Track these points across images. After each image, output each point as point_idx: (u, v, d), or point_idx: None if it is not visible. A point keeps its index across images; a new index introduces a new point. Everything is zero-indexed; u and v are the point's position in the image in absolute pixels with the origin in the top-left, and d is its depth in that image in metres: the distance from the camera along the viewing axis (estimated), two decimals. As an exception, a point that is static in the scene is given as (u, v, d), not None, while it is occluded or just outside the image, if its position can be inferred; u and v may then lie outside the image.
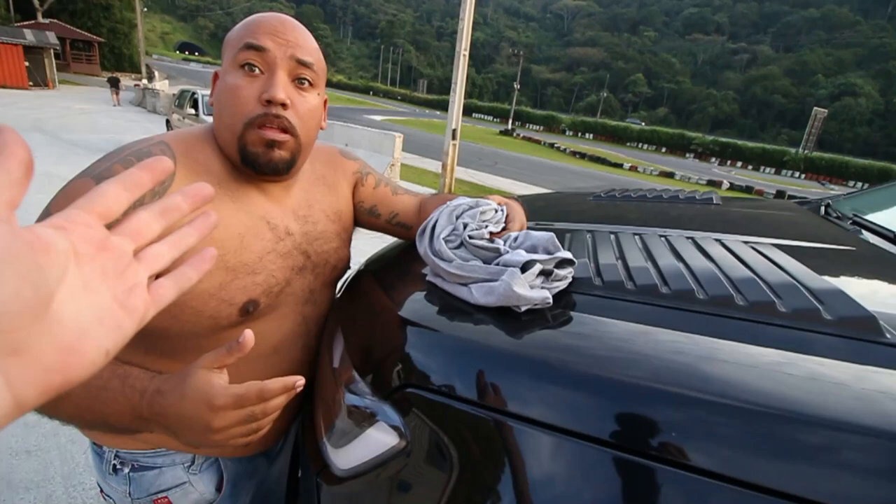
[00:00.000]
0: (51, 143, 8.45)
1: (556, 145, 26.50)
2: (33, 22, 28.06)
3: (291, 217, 0.71)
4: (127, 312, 0.26)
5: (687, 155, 40.34)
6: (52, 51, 22.20)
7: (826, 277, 0.58)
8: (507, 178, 11.52)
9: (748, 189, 18.72)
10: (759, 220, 1.03)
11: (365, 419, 0.56)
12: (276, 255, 0.66)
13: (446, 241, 0.66)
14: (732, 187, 18.49)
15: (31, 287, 0.21)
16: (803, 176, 35.94)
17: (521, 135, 32.18)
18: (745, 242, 0.75)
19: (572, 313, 0.57)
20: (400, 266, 0.84)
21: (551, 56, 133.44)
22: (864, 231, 0.92)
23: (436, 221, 0.70)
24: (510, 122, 37.30)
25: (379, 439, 0.53)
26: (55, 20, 29.93)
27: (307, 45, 0.64)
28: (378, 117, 28.86)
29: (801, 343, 0.47)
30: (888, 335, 0.48)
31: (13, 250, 0.20)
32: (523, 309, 0.56)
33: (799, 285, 0.56)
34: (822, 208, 1.20)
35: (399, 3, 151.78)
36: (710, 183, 18.94)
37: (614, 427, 0.42)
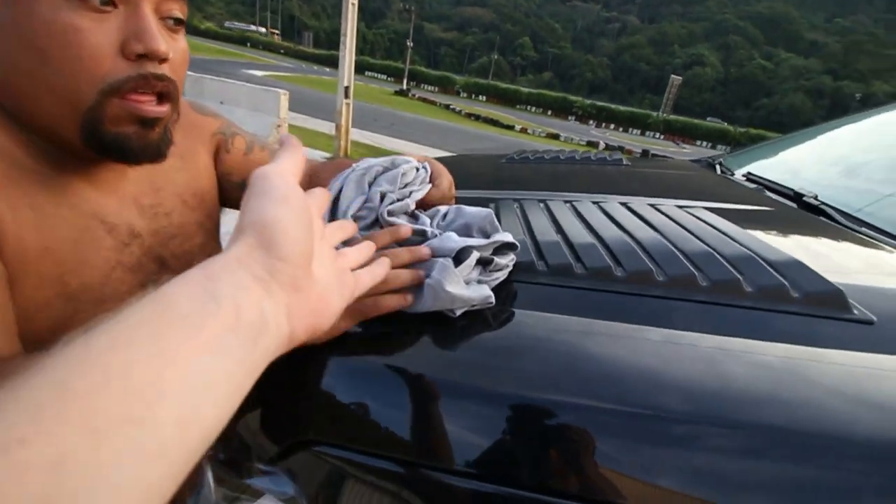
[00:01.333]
0: None
1: (451, 107, 26.51)
2: None
3: (134, 210, 0.50)
4: (346, 286, 0.31)
5: (569, 118, 43.25)
6: None
7: (776, 247, 0.55)
8: (406, 140, 11.23)
9: (620, 148, 20.72)
10: (677, 181, 1.02)
11: (245, 493, 0.41)
12: (122, 269, 0.47)
13: (357, 220, 0.48)
14: (608, 147, 20.36)
15: (307, 233, 0.26)
16: (662, 136, 40.91)
17: (417, 95, 31.58)
18: (680, 207, 0.70)
19: (520, 312, 0.46)
20: None
21: (443, 14, 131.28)
22: (766, 191, 0.95)
23: (339, 192, 0.51)
24: (405, 81, 36.32)
25: None
26: None
27: None
28: (259, 72, 26.01)
29: (782, 329, 0.42)
30: (855, 311, 0.45)
31: (299, 203, 0.26)
32: (458, 313, 0.44)
33: (759, 259, 0.51)
34: (717, 167, 1.24)
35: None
36: (590, 143, 20.63)
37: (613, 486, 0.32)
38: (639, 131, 41.43)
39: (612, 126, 41.80)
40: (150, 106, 0.42)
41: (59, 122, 0.40)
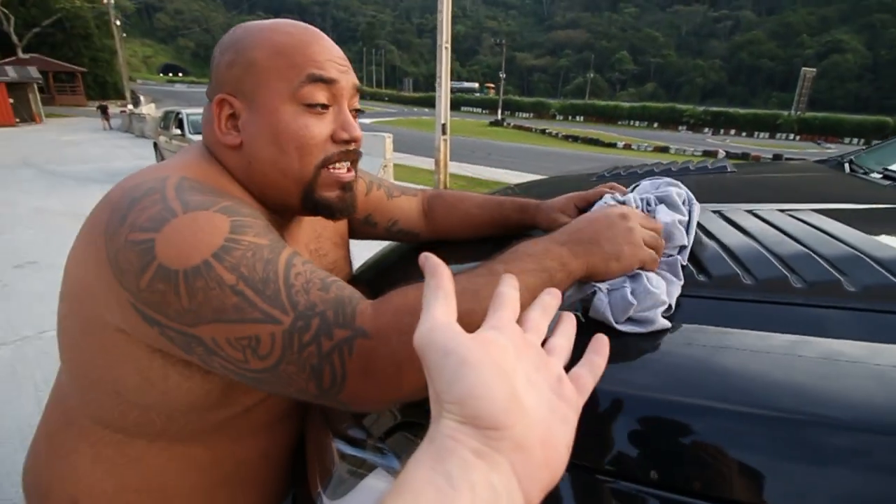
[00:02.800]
0: (40, 176, 8.37)
1: (547, 131, 26.33)
2: (14, 58, 27.95)
3: (306, 253, 0.64)
4: (567, 404, 0.26)
5: (679, 128, 40.11)
6: (35, 85, 22.08)
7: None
8: (502, 168, 11.41)
9: (745, 156, 18.56)
10: (789, 185, 0.93)
11: (361, 466, 0.48)
12: None
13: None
14: (729, 156, 18.33)
15: (504, 382, 0.23)
16: (798, 137, 35.73)
17: (512, 124, 31.99)
18: (783, 211, 0.65)
19: (701, 329, 0.44)
20: (398, 274, 0.75)
21: (534, 42, 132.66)
22: (905, 185, 0.83)
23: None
24: (499, 112, 37.09)
25: (379, 489, 0.46)
26: (36, 54, 29.81)
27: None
28: (367, 120, 28.71)
29: None
30: None
31: (478, 354, 0.23)
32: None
33: None
34: (847, 165, 1.10)
35: (377, 3, 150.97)
36: (706, 153, 18.78)
37: None
38: (767, 134, 36.73)
39: (733, 132, 37.69)
40: (348, 175, 0.55)
41: (286, 193, 0.53)
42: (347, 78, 0.53)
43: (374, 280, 0.77)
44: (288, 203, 0.54)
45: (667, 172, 1.21)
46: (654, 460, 0.34)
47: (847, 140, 33.46)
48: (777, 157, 18.01)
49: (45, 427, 0.58)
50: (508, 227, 0.75)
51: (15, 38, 31.13)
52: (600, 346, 0.32)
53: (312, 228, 0.65)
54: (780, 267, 0.49)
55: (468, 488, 0.21)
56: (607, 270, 0.46)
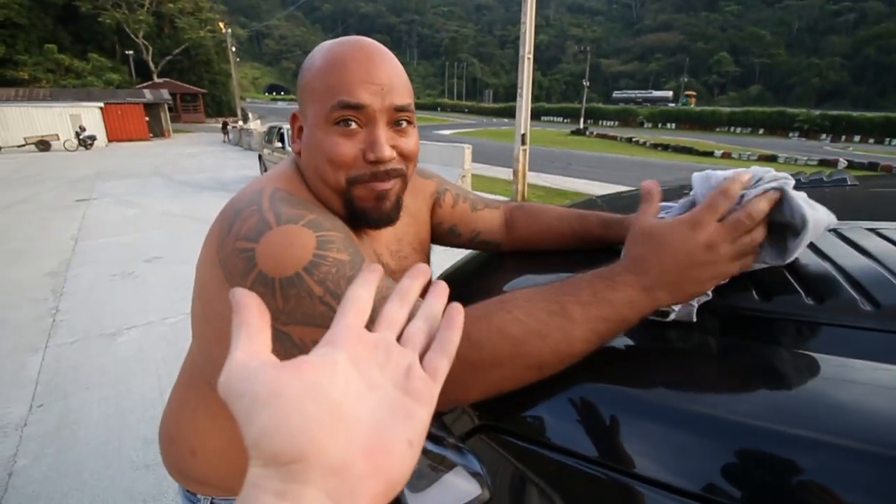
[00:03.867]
0: (167, 185, 9.67)
1: (633, 139, 25.00)
2: (150, 82, 32.77)
3: (387, 254, 0.69)
4: (413, 398, 0.26)
5: (790, 134, 35.98)
6: (166, 105, 25.74)
7: None
8: (582, 178, 11.05)
9: (872, 166, 16.12)
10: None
11: (442, 463, 0.50)
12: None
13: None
14: (851, 165, 16.01)
15: (311, 406, 0.22)
16: (946, 143, 30.35)
17: (595, 132, 30.86)
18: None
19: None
20: (480, 282, 0.78)
21: (621, 47, 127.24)
22: None
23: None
24: (581, 120, 35.99)
25: (458, 487, 0.47)
26: (167, 79, 34.73)
27: (402, 85, 0.57)
28: (447, 132, 29.37)
29: None
30: None
31: (274, 386, 0.22)
32: (672, 316, 0.47)
33: None
34: None
35: (460, 18, 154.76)
36: (823, 163, 16.57)
37: None
38: (901, 140, 31.69)
39: (857, 139, 32.98)
40: (381, 185, 0.57)
41: (330, 200, 0.58)
42: (382, 100, 0.55)
43: (452, 285, 0.80)
44: (336, 209, 0.58)
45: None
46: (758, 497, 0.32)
47: None
48: (916, 166, 15.44)
49: (177, 388, 0.73)
50: (591, 241, 0.74)
51: (152, 66, 36.51)
52: (452, 318, 0.31)
53: (394, 233, 0.71)
54: None
55: None
56: (685, 300, 0.47)
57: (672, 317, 0.48)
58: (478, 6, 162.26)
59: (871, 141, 32.22)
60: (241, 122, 24.13)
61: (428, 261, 0.79)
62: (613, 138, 27.05)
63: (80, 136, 18.54)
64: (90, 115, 20.34)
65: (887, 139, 32.05)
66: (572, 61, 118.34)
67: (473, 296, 0.71)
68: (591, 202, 1.39)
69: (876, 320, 0.43)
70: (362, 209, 0.58)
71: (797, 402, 0.36)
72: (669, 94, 70.64)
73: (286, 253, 0.46)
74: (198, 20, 39.32)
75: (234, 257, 0.48)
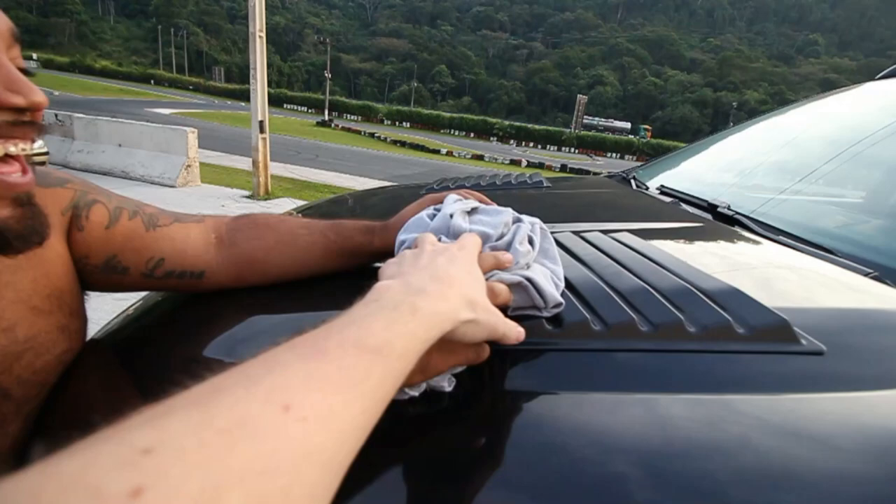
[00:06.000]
0: None
1: (376, 135, 26.58)
2: None
3: None
4: (454, 248, 0.39)
5: (491, 138, 45.15)
6: None
7: (710, 273, 0.51)
8: (330, 170, 10.99)
9: (541, 165, 21.94)
10: (598, 202, 1.01)
11: None
12: None
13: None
14: (530, 164, 21.42)
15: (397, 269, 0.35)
16: (577, 151, 43.99)
17: (340, 125, 31.34)
18: (606, 232, 0.66)
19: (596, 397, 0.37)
20: (162, 334, 0.54)
21: (359, 45, 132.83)
22: (681, 203, 0.96)
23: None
24: (326, 112, 35.95)
25: None
26: None
27: None
28: (166, 111, 24.47)
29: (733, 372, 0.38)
30: (804, 342, 0.41)
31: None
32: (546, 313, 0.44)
33: (697, 292, 0.46)
34: (632, 182, 1.27)
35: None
36: (513, 162, 21.62)
37: None
38: (556, 147, 44.20)
39: (532, 144, 44.21)
40: (21, 178, 0.35)
41: None
42: None
43: (123, 349, 0.53)
44: None
45: (492, 185, 1.22)
46: None
47: (609, 154, 42.83)
48: (564, 166, 21.78)
49: None
50: (353, 253, 0.56)
51: None
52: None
53: None
54: (624, 305, 0.44)
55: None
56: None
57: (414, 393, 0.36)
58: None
59: (539, 147, 43.92)
60: None
61: (75, 321, 0.48)
62: (357, 132, 28.08)
63: None
64: None
65: (548, 145, 44.30)
66: (313, 51, 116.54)
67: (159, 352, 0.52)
68: (341, 199, 1.28)
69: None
70: None
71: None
72: (628, 125, 77.19)
73: None
74: None
75: None
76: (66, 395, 0.46)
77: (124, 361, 0.50)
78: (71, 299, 0.47)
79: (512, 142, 44.49)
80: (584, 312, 0.43)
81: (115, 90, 36.12)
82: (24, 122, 0.34)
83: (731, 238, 0.75)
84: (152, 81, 59.56)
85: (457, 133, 46.33)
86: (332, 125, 30.26)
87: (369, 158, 15.48)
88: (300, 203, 6.64)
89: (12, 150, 0.33)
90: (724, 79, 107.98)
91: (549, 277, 0.43)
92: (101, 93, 30.44)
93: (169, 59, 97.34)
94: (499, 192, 1.15)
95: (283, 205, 6.62)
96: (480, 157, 21.88)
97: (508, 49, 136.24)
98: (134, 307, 0.64)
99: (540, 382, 0.38)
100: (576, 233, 0.66)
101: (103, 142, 7.22)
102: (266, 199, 6.81)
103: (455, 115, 52.65)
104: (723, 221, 0.84)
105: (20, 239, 0.36)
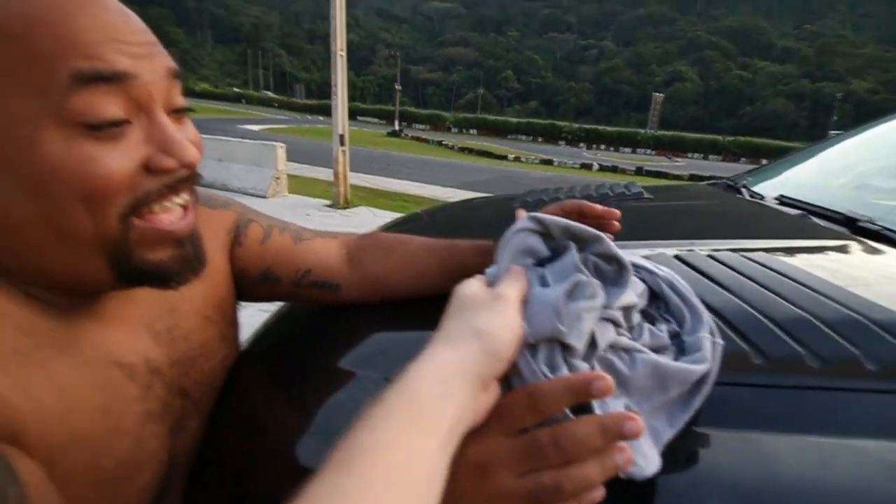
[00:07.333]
0: None
1: (444, 143, 27.04)
2: None
3: (147, 338, 0.43)
4: (497, 302, 0.35)
5: (559, 142, 44.05)
6: None
7: (877, 301, 0.45)
8: (402, 178, 11.35)
9: (614, 168, 21.01)
10: (711, 216, 0.96)
11: None
12: (152, 421, 0.41)
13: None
14: (602, 168, 20.57)
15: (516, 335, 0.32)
16: (653, 152, 41.58)
17: (410, 135, 32.28)
18: (736, 251, 0.63)
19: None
20: (304, 347, 0.58)
21: (427, 56, 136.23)
22: (810, 216, 0.89)
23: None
24: (396, 123, 37.21)
25: None
26: None
27: (159, 44, 0.37)
28: (256, 127, 26.69)
29: None
30: None
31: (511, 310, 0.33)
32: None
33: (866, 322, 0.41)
34: (743, 190, 1.19)
35: (262, 4, 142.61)
36: (583, 166, 20.88)
37: None
38: (629, 149, 42.11)
39: (603, 146, 42.51)
40: (180, 221, 0.37)
41: (78, 267, 0.34)
42: (151, 64, 0.34)
43: (274, 358, 0.58)
44: (87, 280, 0.35)
45: (588, 199, 1.21)
46: None
47: (690, 155, 39.87)
48: (639, 169, 20.68)
49: None
50: (465, 274, 0.58)
51: None
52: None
53: (163, 300, 0.45)
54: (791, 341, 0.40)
55: (461, 408, 0.28)
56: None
57: None
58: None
59: (612, 149, 42.02)
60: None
61: (232, 330, 0.55)
62: (426, 141, 28.73)
63: None
64: None
65: (620, 147, 42.26)
66: (383, 65, 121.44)
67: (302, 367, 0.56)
68: (415, 217, 1.33)
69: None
70: (153, 265, 0.36)
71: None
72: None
73: None
74: None
75: None
76: (231, 398, 0.52)
77: (274, 368, 0.55)
78: (230, 309, 0.55)
79: (581, 145, 43.09)
80: (741, 344, 0.39)
81: (213, 110, 40.10)
82: (181, 178, 0.36)
83: (883, 257, 0.68)
84: (243, 101, 65.33)
85: (524, 138, 45.82)
86: (402, 135, 31.25)
87: (438, 166, 15.78)
88: (377, 211, 6.94)
89: (168, 205, 0.36)
90: (823, 68, 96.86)
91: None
92: (202, 113, 33.91)
93: (257, 79, 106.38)
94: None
95: (361, 213, 6.95)
96: (549, 162, 21.43)
97: (577, 50, 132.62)
98: (274, 319, 0.71)
99: (697, 419, 0.35)
100: (710, 256, 0.63)
101: (206, 157, 8.03)
102: (345, 208, 7.19)
103: (522, 120, 52.14)
104: (865, 237, 0.76)
105: (178, 276, 0.38)
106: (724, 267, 0.56)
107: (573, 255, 0.38)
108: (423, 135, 34.28)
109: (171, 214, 0.36)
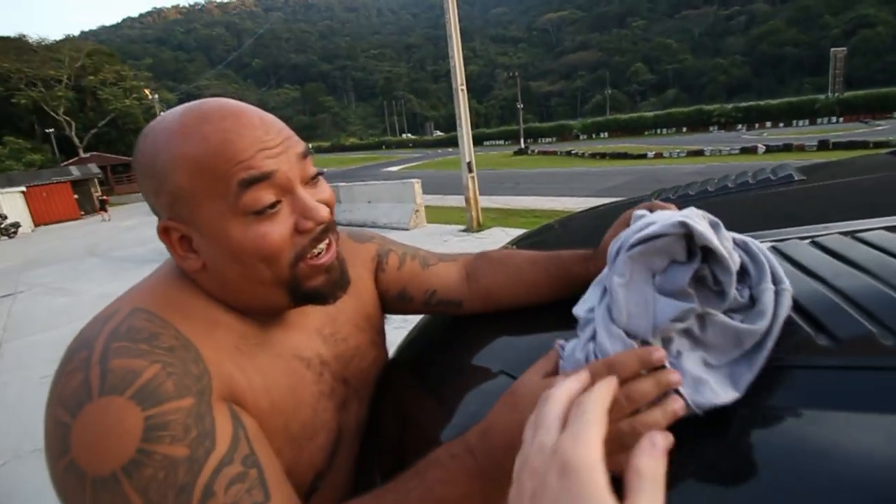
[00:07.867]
0: (104, 264, 9.03)
1: (572, 152, 26.15)
2: (76, 158, 31.21)
3: (318, 340, 0.58)
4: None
5: (711, 128, 38.93)
6: (95, 179, 24.51)
7: None
8: (531, 195, 11.33)
9: (787, 147, 17.64)
10: (875, 192, 0.80)
11: None
12: (324, 398, 0.55)
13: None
14: (769, 150, 17.42)
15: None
16: (841, 119, 33.84)
17: (536, 150, 32.09)
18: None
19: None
20: (442, 353, 0.69)
21: (547, 69, 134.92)
22: None
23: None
24: (522, 140, 37.39)
25: None
26: (95, 152, 33.24)
27: (287, 129, 0.49)
28: (395, 168, 29.58)
29: None
30: None
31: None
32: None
33: None
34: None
35: (391, 59, 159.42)
36: (744, 150, 17.97)
37: None
38: (806, 121, 35.03)
39: (769, 124, 36.19)
40: (326, 256, 0.51)
41: (271, 300, 0.50)
42: (287, 157, 0.47)
43: (417, 361, 0.70)
44: (278, 306, 0.51)
45: (724, 190, 1.10)
46: None
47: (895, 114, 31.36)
48: (823, 143, 16.98)
49: None
50: (571, 282, 0.61)
51: (76, 141, 34.96)
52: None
53: (326, 312, 0.60)
54: None
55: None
56: None
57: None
58: (407, 46, 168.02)
59: (781, 125, 35.45)
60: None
61: (380, 337, 0.69)
62: (554, 153, 28.19)
63: (2, 225, 17.22)
64: (11, 201, 19.17)
65: (794, 121, 35.37)
66: (504, 87, 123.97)
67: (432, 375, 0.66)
68: (548, 228, 1.35)
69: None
70: (315, 290, 0.51)
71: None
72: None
73: (102, 444, 0.37)
74: (122, 89, 38.19)
75: (51, 428, 0.39)
76: (385, 390, 0.66)
77: (418, 370, 0.68)
78: (377, 321, 0.69)
79: (740, 126, 37.37)
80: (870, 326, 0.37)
81: (359, 160, 45.88)
82: (321, 230, 0.49)
83: None
84: (384, 147, 73.27)
85: (664, 132, 41.75)
86: (529, 151, 31.22)
87: (569, 177, 15.32)
88: (509, 230, 7.04)
89: (315, 252, 0.49)
90: None
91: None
92: (351, 164, 39.13)
93: (393, 125, 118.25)
94: (733, 198, 1.03)
95: (494, 234, 7.14)
96: (699, 153, 18.95)
97: (719, 21, 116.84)
98: (416, 329, 0.83)
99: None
100: (853, 235, 0.55)
101: (358, 201, 9.25)
102: (479, 231, 7.47)
103: (660, 112, 47.59)
104: None
105: (330, 296, 0.52)
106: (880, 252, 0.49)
107: (691, 270, 0.39)
108: (550, 148, 33.76)
109: (321, 255, 0.50)
